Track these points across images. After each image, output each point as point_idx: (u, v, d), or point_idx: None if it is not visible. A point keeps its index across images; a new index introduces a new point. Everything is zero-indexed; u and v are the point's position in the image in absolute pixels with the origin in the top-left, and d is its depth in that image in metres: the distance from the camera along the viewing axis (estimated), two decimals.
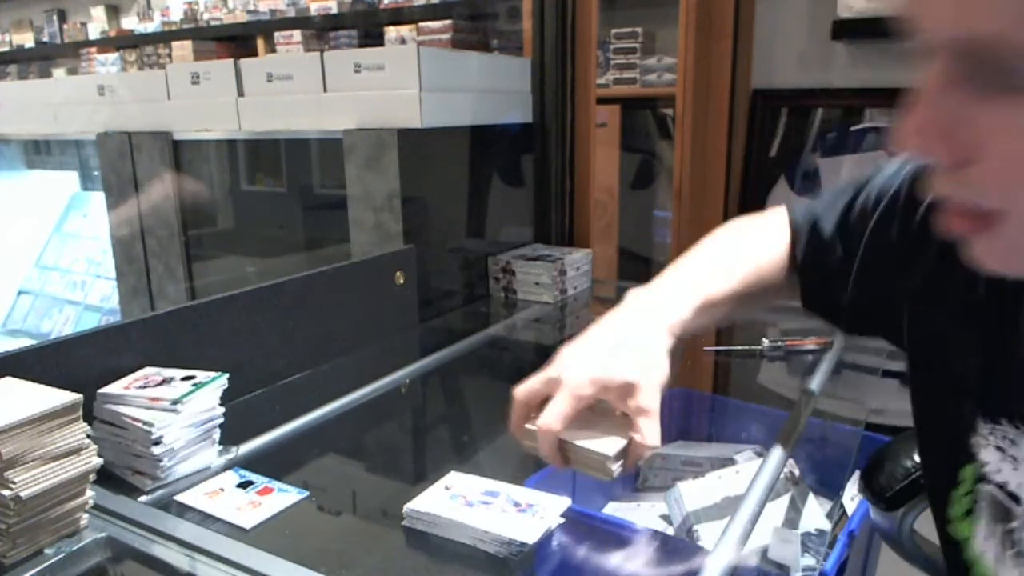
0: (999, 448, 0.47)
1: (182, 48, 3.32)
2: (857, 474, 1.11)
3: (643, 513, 1.20)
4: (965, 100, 0.34)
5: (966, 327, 0.51)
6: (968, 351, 0.51)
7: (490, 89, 1.58)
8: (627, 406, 0.59)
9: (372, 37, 2.86)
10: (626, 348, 0.61)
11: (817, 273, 0.72)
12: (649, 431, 0.58)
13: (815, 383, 1.00)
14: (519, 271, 1.55)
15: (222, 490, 0.75)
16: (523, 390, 0.64)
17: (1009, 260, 0.37)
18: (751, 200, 2.00)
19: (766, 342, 1.27)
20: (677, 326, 0.65)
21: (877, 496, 0.80)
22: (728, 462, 1.25)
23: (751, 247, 0.75)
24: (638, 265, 2.47)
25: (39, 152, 2.61)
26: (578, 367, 0.61)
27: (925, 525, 0.74)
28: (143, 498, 0.73)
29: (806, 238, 0.72)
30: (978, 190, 0.35)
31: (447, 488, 0.73)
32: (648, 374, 0.59)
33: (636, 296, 0.69)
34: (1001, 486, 0.47)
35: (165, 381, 0.80)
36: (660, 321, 0.64)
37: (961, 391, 0.52)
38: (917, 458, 0.78)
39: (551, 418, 0.59)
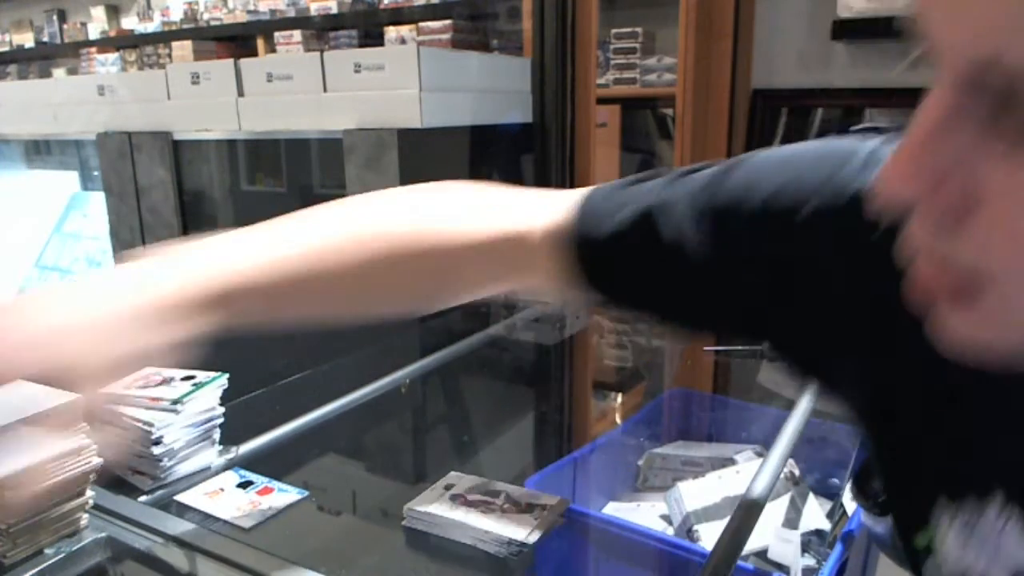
0: (963, 527, 0.41)
1: (182, 48, 3.32)
2: None
3: (643, 513, 1.20)
4: (973, 141, 0.27)
5: (935, 392, 0.41)
6: (933, 416, 0.42)
7: (490, 89, 1.58)
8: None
9: (372, 37, 2.85)
10: (82, 320, 0.45)
11: (632, 261, 0.51)
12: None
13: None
14: None
15: (222, 490, 0.75)
16: None
17: (980, 335, 0.31)
18: None
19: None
20: (171, 305, 0.48)
21: (869, 501, 0.80)
22: (728, 462, 1.25)
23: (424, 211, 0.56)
24: None
25: (39, 152, 2.61)
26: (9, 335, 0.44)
27: None
28: (143, 498, 0.73)
29: (616, 221, 0.51)
30: (969, 249, 0.29)
31: (447, 488, 0.73)
32: (97, 362, 0.44)
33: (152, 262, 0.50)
34: (963, 571, 0.41)
35: (165, 381, 0.80)
36: (152, 291, 0.47)
37: (918, 450, 0.43)
38: None
39: None
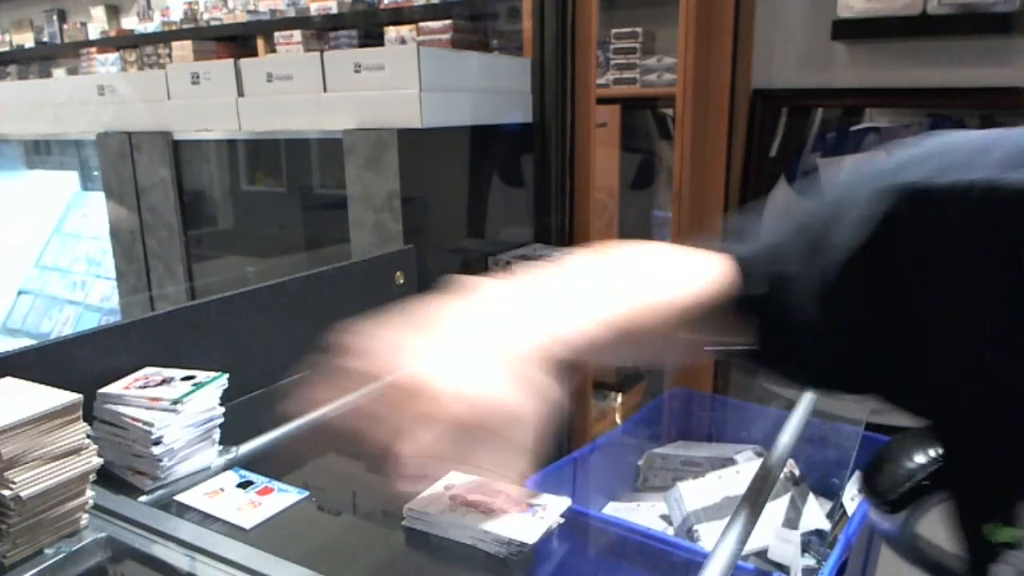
0: None
1: (182, 48, 3.32)
2: (858, 474, 1.11)
3: (643, 513, 1.21)
4: None
5: None
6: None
7: (490, 89, 1.58)
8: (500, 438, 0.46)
9: (372, 37, 2.86)
10: (508, 364, 0.47)
11: (787, 320, 0.54)
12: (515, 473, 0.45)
13: None
14: (519, 271, 1.55)
15: (222, 490, 0.75)
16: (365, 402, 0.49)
17: None
18: (751, 200, 2.00)
19: None
20: (572, 343, 0.50)
21: (879, 498, 0.79)
22: (728, 462, 1.25)
23: (677, 271, 0.58)
24: None
25: (39, 152, 2.61)
26: (446, 381, 0.46)
27: (927, 526, 0.74)
28: (143, 498, 0.73)
29: (764, 270, 0.55)
30: None
31: (447, 488, 0.73)
32: (532, 403, 0.46)
33: (515, 291, 0.54)
34: None
35: (165, 381, 0.80)
36: (553, 334, 0.50)
37: (1007, 451, 0.45)
38: (918, 459, 0.77)
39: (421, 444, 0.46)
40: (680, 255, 0.60)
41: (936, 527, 0.60)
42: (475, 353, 0.48)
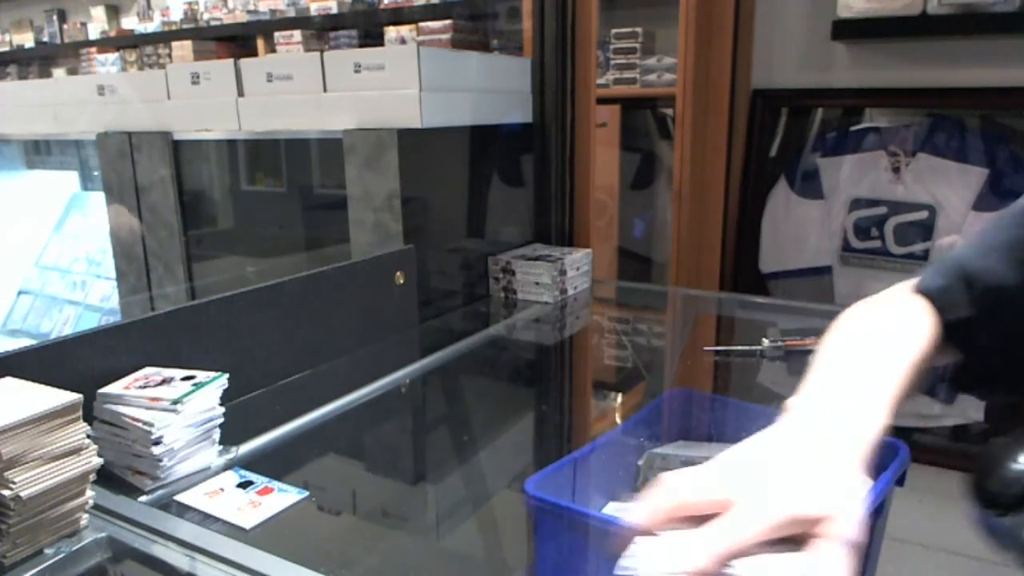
0: None
1: (182, 48, 3.32)
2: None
3: None
4: None
5: None
6: None
7: (490, 89, 1.58)
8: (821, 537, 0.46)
9: (372, 37, 2.86)
10: (826, 472, 0.51)
11: (993, 329, 0.64)
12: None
13: None
14: (519, 271, 1.55)
15: (222, 490, 0.75)
16: (685, 493, 0.51)
17: None
18: (751, 200, 2.00)
19: (766, 342, 1.27)
20: (876, 436, 0.56)
21: (990, 502, 0.79)
22: None
23: (901, 330, 0.65)
24: (638, 265, 2.47)
25: (39, 152, 2.61)
26: (770, 495, 0.48)
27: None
28: (143, 498, 0.73)
29: (963, 294, 0.64)
30: None
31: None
32: (852, 503, 0.49)
33: (814, 407, 0.59)
34: None
35: (165, 381, 0.80)
36: (859, 434, 0.56)
37: None
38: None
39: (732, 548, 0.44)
40: (885, 312, 0.67)
41: None
42: (804, 465, 0.52)
